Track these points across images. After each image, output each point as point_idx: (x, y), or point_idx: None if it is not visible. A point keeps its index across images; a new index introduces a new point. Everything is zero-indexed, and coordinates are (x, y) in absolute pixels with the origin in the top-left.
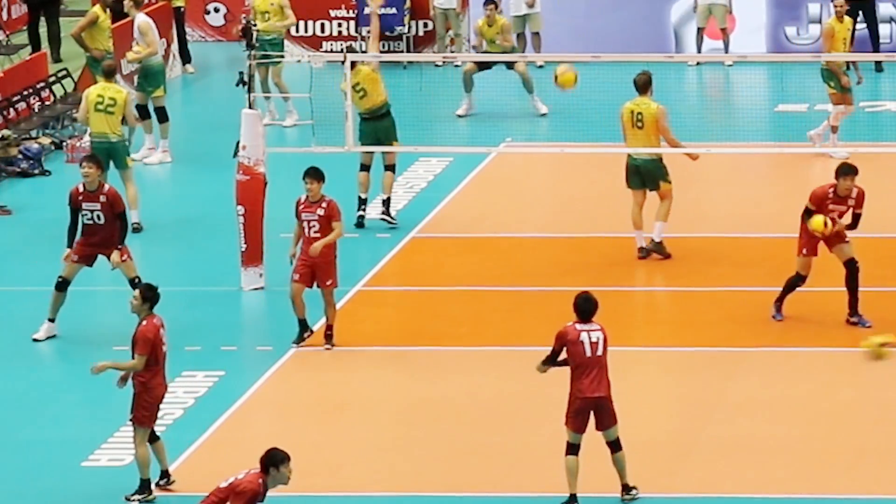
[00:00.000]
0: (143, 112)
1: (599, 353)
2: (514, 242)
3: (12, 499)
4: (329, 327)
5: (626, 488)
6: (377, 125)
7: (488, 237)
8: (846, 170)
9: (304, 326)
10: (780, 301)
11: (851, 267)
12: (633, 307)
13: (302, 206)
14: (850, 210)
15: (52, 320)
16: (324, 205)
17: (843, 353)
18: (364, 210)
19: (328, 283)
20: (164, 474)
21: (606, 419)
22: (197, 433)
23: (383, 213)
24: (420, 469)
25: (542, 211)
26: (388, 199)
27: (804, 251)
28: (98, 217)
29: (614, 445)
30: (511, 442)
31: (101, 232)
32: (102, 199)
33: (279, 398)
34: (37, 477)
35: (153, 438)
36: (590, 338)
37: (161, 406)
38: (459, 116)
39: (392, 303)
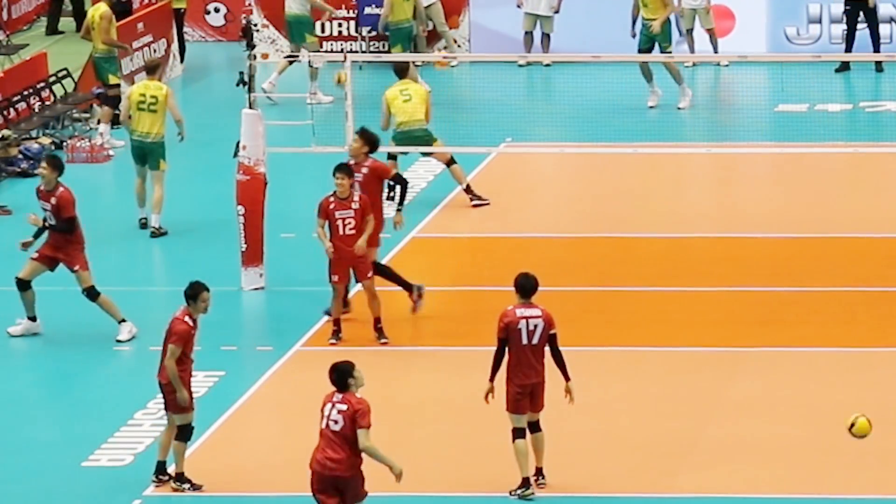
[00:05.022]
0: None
1: (535, 341)
2: (514, 242)
3: (13, 499)
4: (377, 320)
5: (539, 472)
6: (412, 137)
7: (488, 237)
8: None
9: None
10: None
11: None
12: (634, 307)
13: (333, 205)
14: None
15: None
16: (355, 197)
17: (843, 353)
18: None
19: (369, 275)
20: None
21: (538, 403)
22: (197, 433)
23: (472, 198)
24: (420, 469)
25: (543, 211)
26: (468, 185)
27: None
28: (50, 217)
29: (534, 427)
30: (511, 442)
31: (52, 233)
32: (53, 201)
33: (279, 398)
34: (37, 477)
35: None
36: (528, 325)
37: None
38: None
39: (392, 303)
